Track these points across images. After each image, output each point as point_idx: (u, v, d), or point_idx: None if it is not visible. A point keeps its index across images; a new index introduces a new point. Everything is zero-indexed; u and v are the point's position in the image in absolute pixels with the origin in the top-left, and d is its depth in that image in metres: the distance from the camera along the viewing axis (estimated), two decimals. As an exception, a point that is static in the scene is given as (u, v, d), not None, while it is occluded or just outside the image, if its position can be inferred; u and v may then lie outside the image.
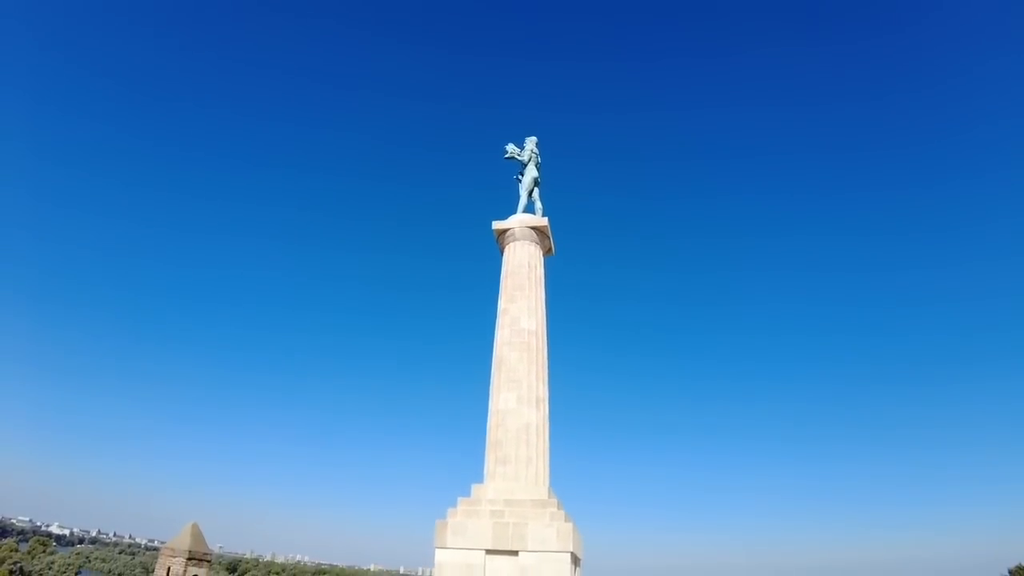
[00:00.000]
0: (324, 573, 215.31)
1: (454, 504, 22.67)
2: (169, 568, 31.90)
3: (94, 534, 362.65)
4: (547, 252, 28.76)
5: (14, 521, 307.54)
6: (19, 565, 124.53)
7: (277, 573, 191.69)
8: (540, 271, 27.59)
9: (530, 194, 29.57)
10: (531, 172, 29.75)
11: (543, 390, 24.76)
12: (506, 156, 30.32)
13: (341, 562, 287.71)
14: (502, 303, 26.50)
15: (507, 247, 27.89)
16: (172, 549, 32.55)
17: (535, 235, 27.85)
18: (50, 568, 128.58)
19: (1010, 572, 55.67)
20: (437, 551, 21.07)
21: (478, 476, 23.95)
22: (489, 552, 20.70)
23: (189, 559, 32.19)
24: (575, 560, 21.49)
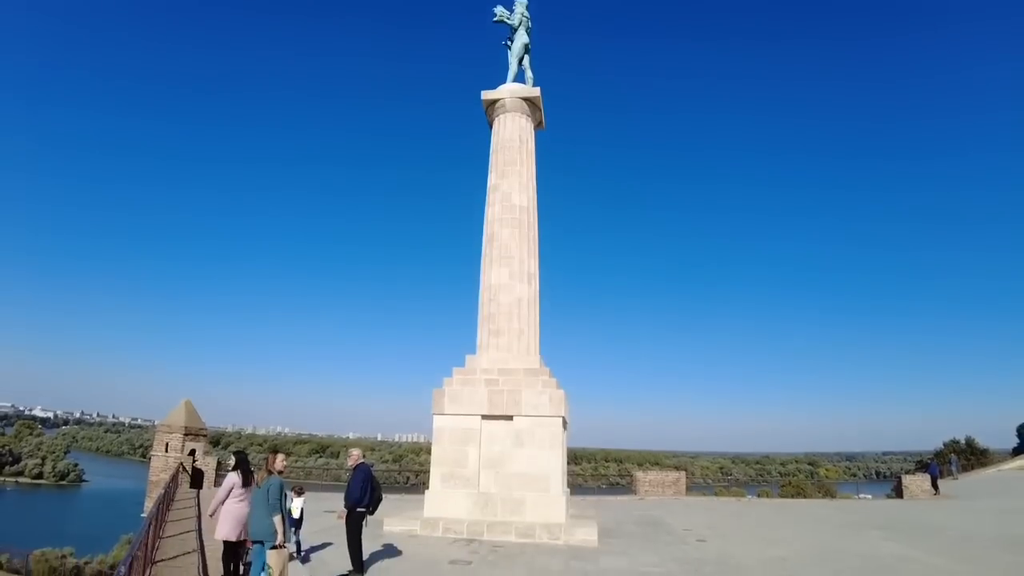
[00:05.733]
0: (304, 443, 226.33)
1: (448, 374, 23.29)
2: (168, 444, 32.73)
3: (78, 415, 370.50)
4: (538, 125, 27.58)
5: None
6: (7, 448, 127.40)
7: (259, 445, 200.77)
8: (531, 145, 26.61)
9: (520, 62, 27.80)
10: (521, 38, 27.78)
11: (534, 266, 24.77)
12: (495, 20, 28.17)
13: (321, 432, 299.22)
14: (492, 179, 25.74)
15: (497, 119, 26.66)
16: (168, 426, 33.20)
17: (526, 107, 26.56)
18: (39, 449, 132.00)
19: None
20: (435, 417, 21.89)
21: (470, 350, 24.46)
22: (485, 417, 21.59)
23: (186, 435, 33.03)
24: (564, 424, 22.66)
